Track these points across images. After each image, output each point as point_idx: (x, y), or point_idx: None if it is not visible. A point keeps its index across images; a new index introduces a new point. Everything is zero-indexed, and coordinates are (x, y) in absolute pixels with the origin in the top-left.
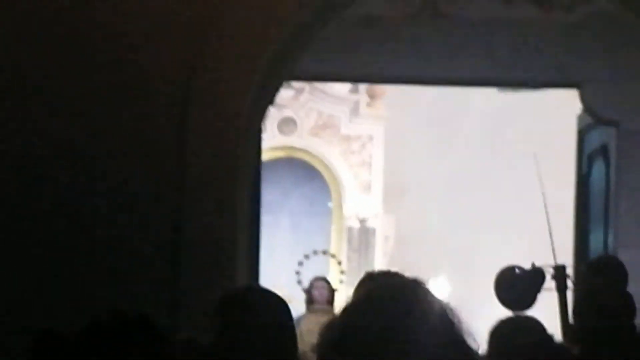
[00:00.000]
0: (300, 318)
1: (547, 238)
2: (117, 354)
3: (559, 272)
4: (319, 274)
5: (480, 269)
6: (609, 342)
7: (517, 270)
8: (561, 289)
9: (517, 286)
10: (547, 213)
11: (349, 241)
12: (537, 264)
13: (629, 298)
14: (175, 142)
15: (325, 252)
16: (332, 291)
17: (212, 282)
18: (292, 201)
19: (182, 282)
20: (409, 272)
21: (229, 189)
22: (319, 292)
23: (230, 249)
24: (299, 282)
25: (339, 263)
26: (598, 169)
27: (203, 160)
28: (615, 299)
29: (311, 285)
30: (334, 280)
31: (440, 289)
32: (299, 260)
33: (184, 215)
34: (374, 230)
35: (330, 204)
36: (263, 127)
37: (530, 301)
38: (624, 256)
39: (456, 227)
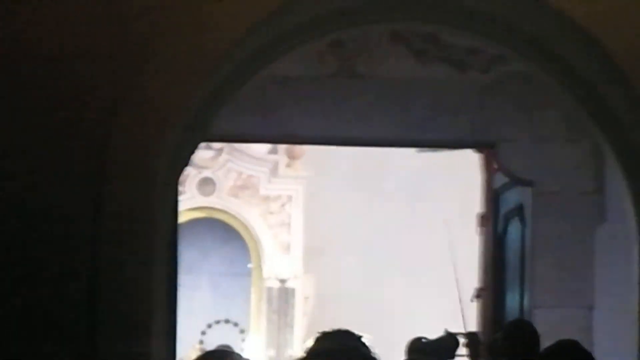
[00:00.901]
0: None
1: (469, 296)
2: None
3: (471, 339)
4: (226, 341)
5: (400, 328)
6: None
7: (423, 340)
8: (474, 356)
9: (429, 355)
10: (457, 282)
11: (269, 302)
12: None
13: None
14: (89, 202)
15: (227, 321)
16: None
17: (128, 343)
18: (212, 262)
19: (97, 342)
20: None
21: (144, 250)
22: None
23: (146, 310)
24: (203, 351)
25: (242, 332)
26: (514, 228)
27: (118, 221)
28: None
29: None
30: (238, 348)
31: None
32: (201, 330)
33: (98, 276)
34: (293, 291)
35: (249, 265)
36: (180, 188)
37: None
38: (539, 317)
39: (376, 287)
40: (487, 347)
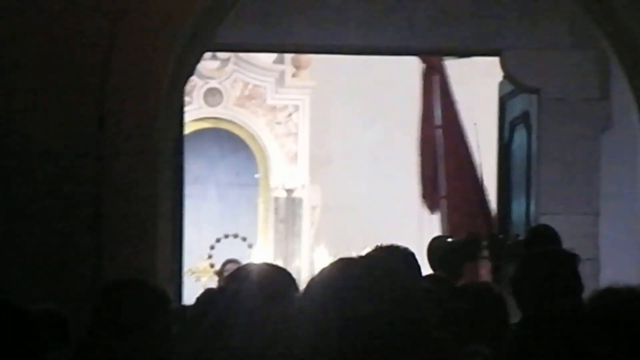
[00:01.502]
0: None
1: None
2: None
3: (494, 241)
4: (234, 255)
5: (406, 238)
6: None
7: (449, 240)
8: (495, 258)
9: (451, 255)
10: (482, 182)
11: (276, 212)
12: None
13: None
14: (94, 112)
15: (236, 236)
16: None
17: (133, 253)
18: (219, 172)
19: (103, 253)
20: (337, 242)
21: (149, 160)
22: None
23: (152, 219)
24: (212, 265)
25: (250, 246)
26: (520, 136)
27: (123, 130)
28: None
29: (223, 267)
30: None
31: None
32: (210, 245)
33: (103, 187)
34: (300, 201)
35: (257, 175)
36: (187, 98)
37: (461, 269)
38: (546, 223)
39: (383, 197)
40: (508, 249)
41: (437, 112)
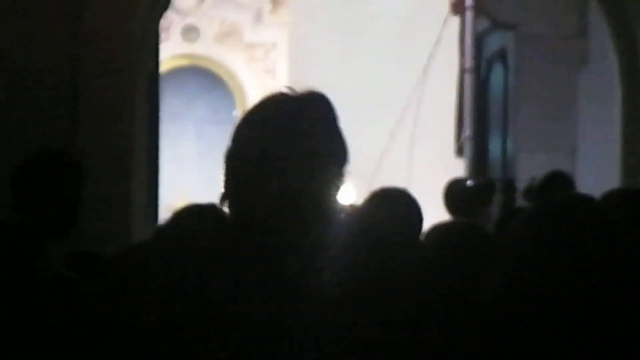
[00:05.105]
0: None
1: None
2: None
3: (508, 186)
4: None
5: (387, 175)
6: None
7: (467, 183)
8: (509, 203)
9: (467, 198)
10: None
11: None
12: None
13: None
14: (67, 51)
15: None
16: None
17: (109, 181)
18: (197, 110)
19: None
20: None
21: (125, 97)
22: None
23: (127, 156)
24: None
25: None
26: (497, 73)
27: (98, 65)
28: None
29: None
30: None
31: (346, 196)
32: None
33: (79, 126)
34: None
35: (235, 112)
36: (164, 35)
37: (479, 213)
38: (523, 161)
39: (364, 134)
40: (523, 194)
41: (468, 54)
